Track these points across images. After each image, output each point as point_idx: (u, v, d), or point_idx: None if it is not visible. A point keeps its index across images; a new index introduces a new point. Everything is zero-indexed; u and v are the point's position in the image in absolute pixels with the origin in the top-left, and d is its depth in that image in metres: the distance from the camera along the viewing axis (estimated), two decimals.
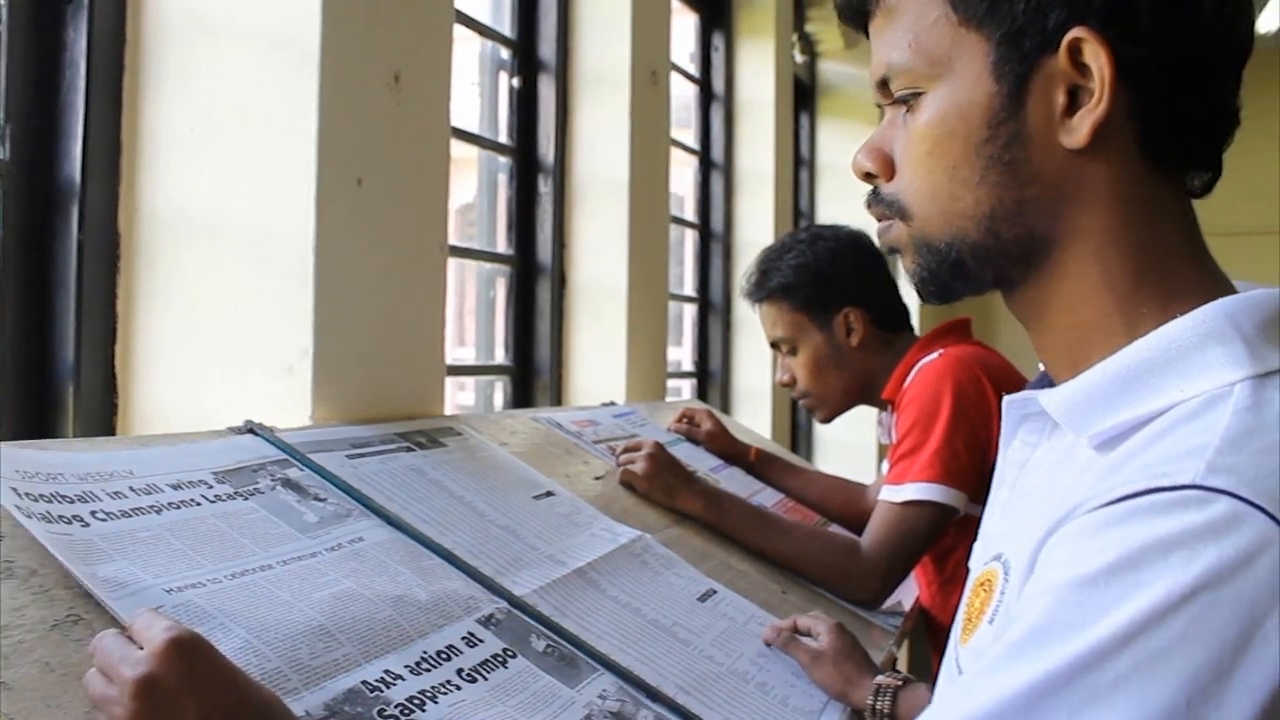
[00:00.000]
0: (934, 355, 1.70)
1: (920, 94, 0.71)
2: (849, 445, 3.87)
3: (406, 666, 0.89)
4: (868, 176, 0.75)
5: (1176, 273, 0.69)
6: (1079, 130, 0.66)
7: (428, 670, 0.91)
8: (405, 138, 1.49)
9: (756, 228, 3.43)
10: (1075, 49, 0.66)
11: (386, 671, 0.87)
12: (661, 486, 1.59)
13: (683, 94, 3.33)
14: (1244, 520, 0.54)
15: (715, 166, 3.46)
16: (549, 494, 1.44)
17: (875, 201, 0.75)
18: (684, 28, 3.38)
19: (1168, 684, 0.52)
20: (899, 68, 0.71)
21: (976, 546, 0.79)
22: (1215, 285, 0.69)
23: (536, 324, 2.38)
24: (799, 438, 4.02)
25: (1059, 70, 0.66)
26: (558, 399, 2.37)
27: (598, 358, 2.39)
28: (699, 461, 1.87)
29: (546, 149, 2.38)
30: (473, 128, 2.27)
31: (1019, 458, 0.77)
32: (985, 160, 0.69)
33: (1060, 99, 0.67)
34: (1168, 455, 0.59)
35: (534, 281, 2.38)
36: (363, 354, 1.41)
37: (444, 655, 0.94)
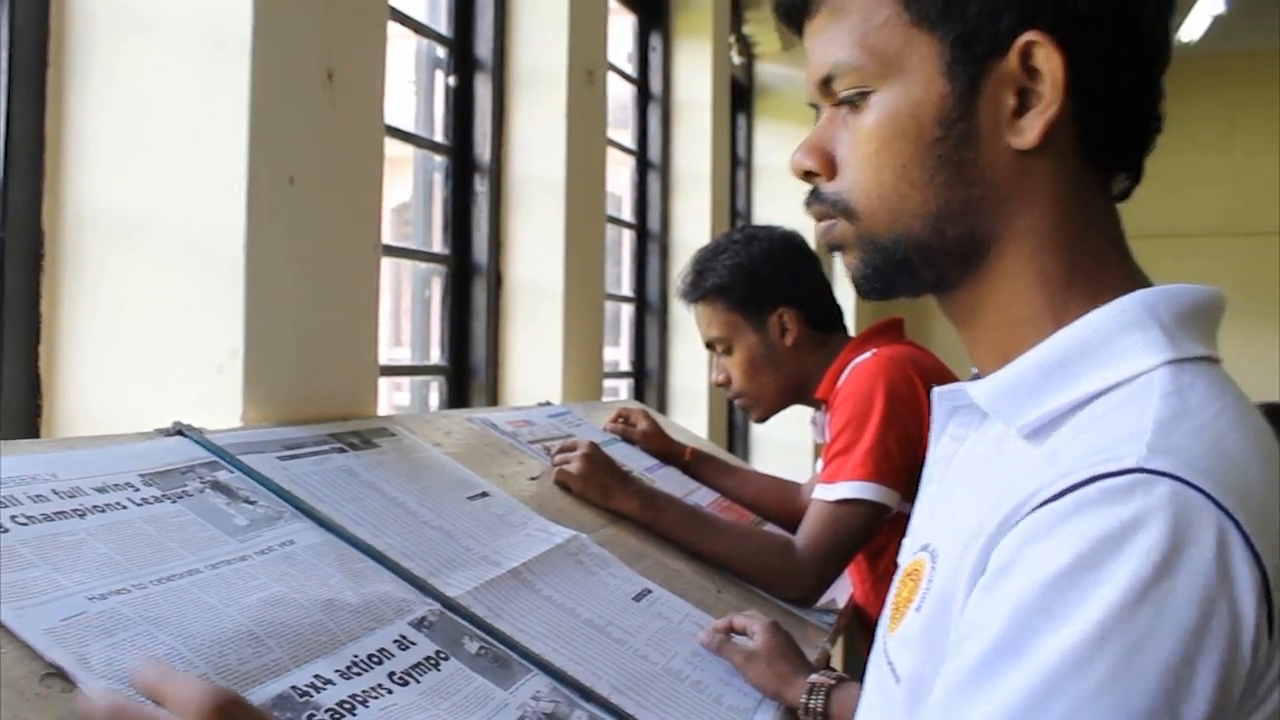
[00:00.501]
0: (867, 355, 1.72)
1: (868, 93, 0.71)
2: (785, 445, 3.90)
3: (337, 671, 0.89)
4: (808, 175, 0.75)
5: (1105, 273, 0.71)
6: (1029, 131, 0.68)
7: (359, 674, 0.90)
8: (338, 136, 1.47)
9: (693, 228, 3.44)
10: (1027, 52, 0.67)
11: (316, 676, 0.86)
12: (596, 486, 1.60)
13: (620, 94, 3.33)
14: (1187, 501, 0.56)
15: (652, 167, 3.46)
16: (483, 494, 1.44)
17: (816, 200, 0.75)
18: (621, 28, 3.39)
19: (1147, 679, 0.54)
20: (846, 66, 0.72)
21: (906, 541, 0.80)
22: (1138, 282, 0.71)
23: (472, 324, 2.37)
24: (735, 437, 4.05)
25: (1010, 73, 0.68)
26: (493, 399, 2.37)
27: (534, 358, 2.39)
28: (634, 461, 1.88)
29: (483, 148, 2.37)
30: (408, 126, 2.25)
31: (947, 452, 0.78)
32: (935, 160, 0.70)
33: (1010, 101, 0.68)
34: (1104, 441, 0.60)
35: (470, 281, 2.36)
36: (295, 354, 1.39)
37: (375, 659, 0.93)
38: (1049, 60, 0.67)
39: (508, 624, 1.13)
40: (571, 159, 2.40)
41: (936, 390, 0.78)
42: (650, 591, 1.41)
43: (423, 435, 1.53)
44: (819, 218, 0.76)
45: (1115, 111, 0.69)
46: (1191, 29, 5.88)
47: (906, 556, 0.75)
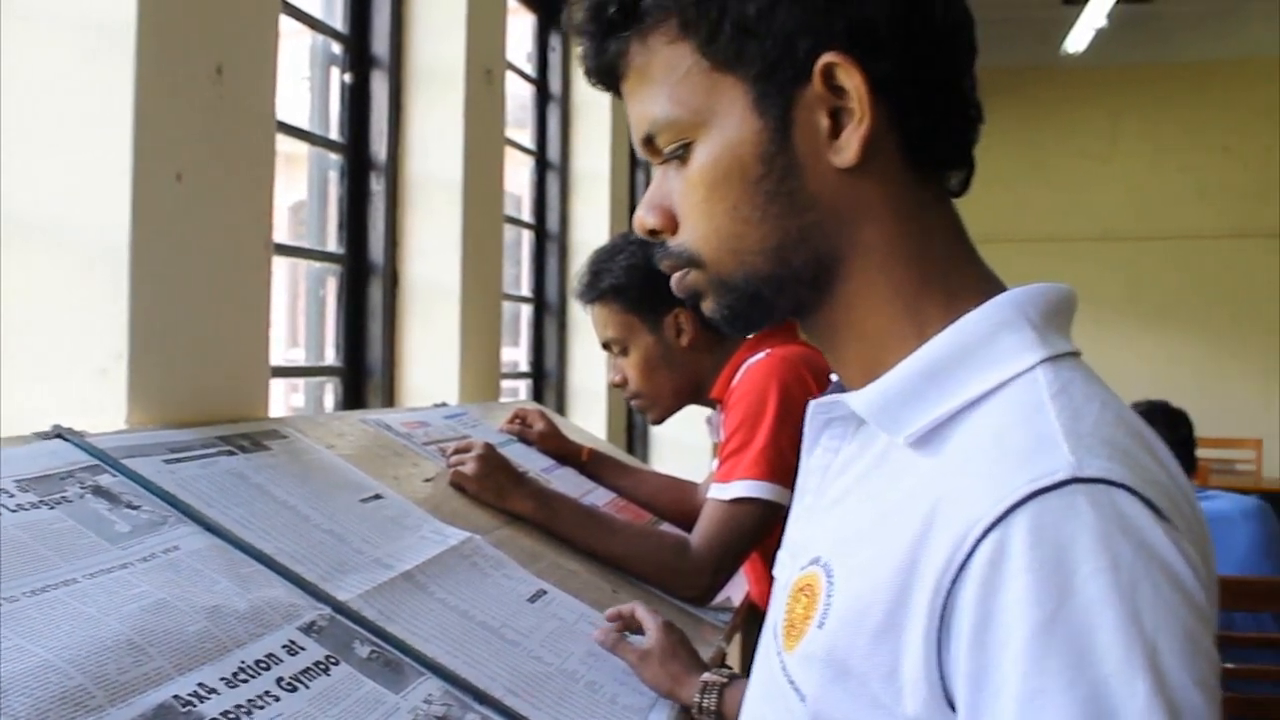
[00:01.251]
0: (761, 355, 1.74)
1: (689, 144, 0.73)
2: (684, 444, 3.93)
3: (222, 679, 0.87)
4: (653, 233, 0.76)
5: (954, 273, 0.73)
6: (848, 149, 0.69)
7: (245, 681, 0.89)
8: (228, 132, 1.45)
9: (592, 228, 3.45)
10: (828, 73, 0.69)
11: (200, 685, 0.85)
12: (492, 487, 1.59)
13: (519, 93, 3.32)
14: (1123, 501, 0.59)
15: (551, 167, 3.46)
16: (377, 497, 1.42)
17: (665, 256, 0.76)
18: (521, 27, 3.38)
19: (1176, 674, 0.56)
20: (662, 123, 0.73)
21: (782, 554, 0.81)
22: (990, 281, 0.74)
23: (368, 324, 2.34)
24: (634, 437, 4.06)
25: (817, 96, 0.69)
26: (389, 400, 2.34)
27: (430, 358, 2.37)
28: (531, 462, 1.87)
29: (379, 146, 2.35)
30: (303, 123, 2.21)
31: (821, 463, 0.79)
32: (764, 195, 0.71)
33: (824, 122, 0.70)
34: (1021, 450, 0.62)
35: (365, 281, 2.34)
36: (182, 355, 1.36)
37: (263, 665, 0.92)
38: (850, 77, 0.68)
39: (400, 627, 1.12)
40: (469, 158, 2.39)
41: (813, 403, 0.79)
42: (545, 592, 1.41)
43: (315, 437, 1.51)
44: (670, 271, 0.76)
45: (928, 112, 0.71)
46: (1076, 42, 6.07)
47: (790, 570, 0.75)
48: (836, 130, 0.70)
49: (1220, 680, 0.59)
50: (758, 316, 0.75)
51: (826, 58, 0.68)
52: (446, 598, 1.25)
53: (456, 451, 1.64)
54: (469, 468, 1.59)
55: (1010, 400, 0.66)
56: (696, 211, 0.73)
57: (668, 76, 0.72)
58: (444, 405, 2.12)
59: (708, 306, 0.76)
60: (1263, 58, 7.24)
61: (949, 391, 0.68)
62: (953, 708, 0.61)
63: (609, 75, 0.76)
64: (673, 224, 0.75)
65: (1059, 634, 0.56)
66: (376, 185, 2.35)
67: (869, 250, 0.72)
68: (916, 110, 0.70)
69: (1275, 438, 6.65)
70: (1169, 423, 2.94)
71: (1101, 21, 5.63)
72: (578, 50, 0.78)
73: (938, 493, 0.63)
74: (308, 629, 1.02)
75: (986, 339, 0.68)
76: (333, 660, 1.00)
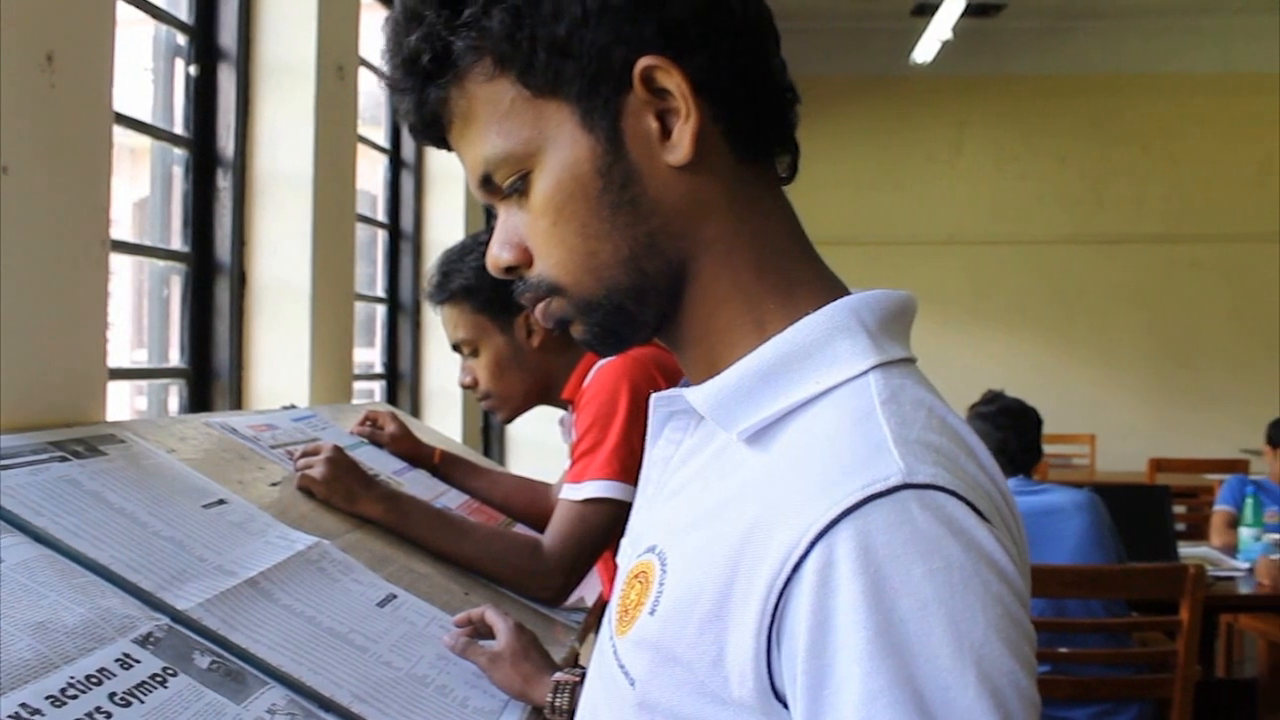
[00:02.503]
0: (612, 356, 1.75)
1: (526, 175, 0.73)
2: (541, 445, 3.92)
3: (48, 698, 0.83)
4: (510, 270, 0.77)
5: (791, 266, 0.75)
6: (681, 145, 0.71)
7: (74, 698, 0.85)
8: (59, 123, 1.39)
9: (447, 227, 3.42)
10: (648, 77, 0.70)
11: (23, 705, 0.81)
12: (341, 491, 1.56)
13: (373, 90, 3.26)
14: (949, 504, 0.62)
15: (405, 165, 3.42)
16: (220, 502, 1.38)
17: (525, 289, 0.77)
18: (375, 23, 3.32)
19: (1003, 663, 0.59)
20: (496, 160, 0.74)
21: (624, 543, 0.82)
22: (826, 279, 0.76)
23: (214, 324, 2.27)
24: (491, 439, 4.04)
25: (641, 101, 0.71)
26: (237, 403, 2.28)
27: (280, 360, 2.31)
28: (382, 465, 1.85)
29: (226, 142, 2.28)
30: (145, 116, 2.14)
31: (664, 454, 0.81)
32: (609, 208, 0.72)
33: (653, 125, 0.71)
34: (851, 455, 0.64)
35: (212, 280, 2.27)
36: (11, 358, 1.30)
37: (94, 680, 0.89)
38: (669, 77, 0.70)
39: (242, 635, 1.10)
40: (320, 155, 2.34)
41: (655, 396, 0.81)
42: (395, 596, 1.40)
43: (156, 441, 1.46)
44: (533, 304, 0.77)
45: (747, 99, 0.73)
46: (923, 52, 6.28)
47: (629, 558, 0.77)
48: (666, 131, 0.71)
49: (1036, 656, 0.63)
50: (627, 332, 0.76)
51: (643, 62, 0.70)
52: (292, 604, 1.23)
53: (304, 455, 1.60)
54: (317, 471, 1.56)
55: (841, 403, 0.68)
56: (547, 239, 0.74)
57: (492, 113, 0.73)
58: (293, 407, 2.07)
59: (577, 331, 0.77)
60: (1094, 74, 7.63)
61: (783, 391, 0.70)
62: (781, 702, 0.62)
63: (434, 126, 0.76)
64: (527, 257, 0.76)
65: (894, 635, 0.59)
66: (224, 182, 2.28)
67: (711, 245, 0.74)
68: (736, 100, 0.73)
69: (1108, 432, 6.99)
70: (1017, 426, 3.07)
71: (947, 34, 5.83)
72: (398, 108, 0.77)
73: (769, 491, 0.65)
74: (144, 641, 0.99)
75: (822, 342, 0.70)
76: (170, 672, 0.97)
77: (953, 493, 0.62)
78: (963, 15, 5.65)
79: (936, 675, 0.58)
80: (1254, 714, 3.28)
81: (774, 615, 0.62)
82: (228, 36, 2.29)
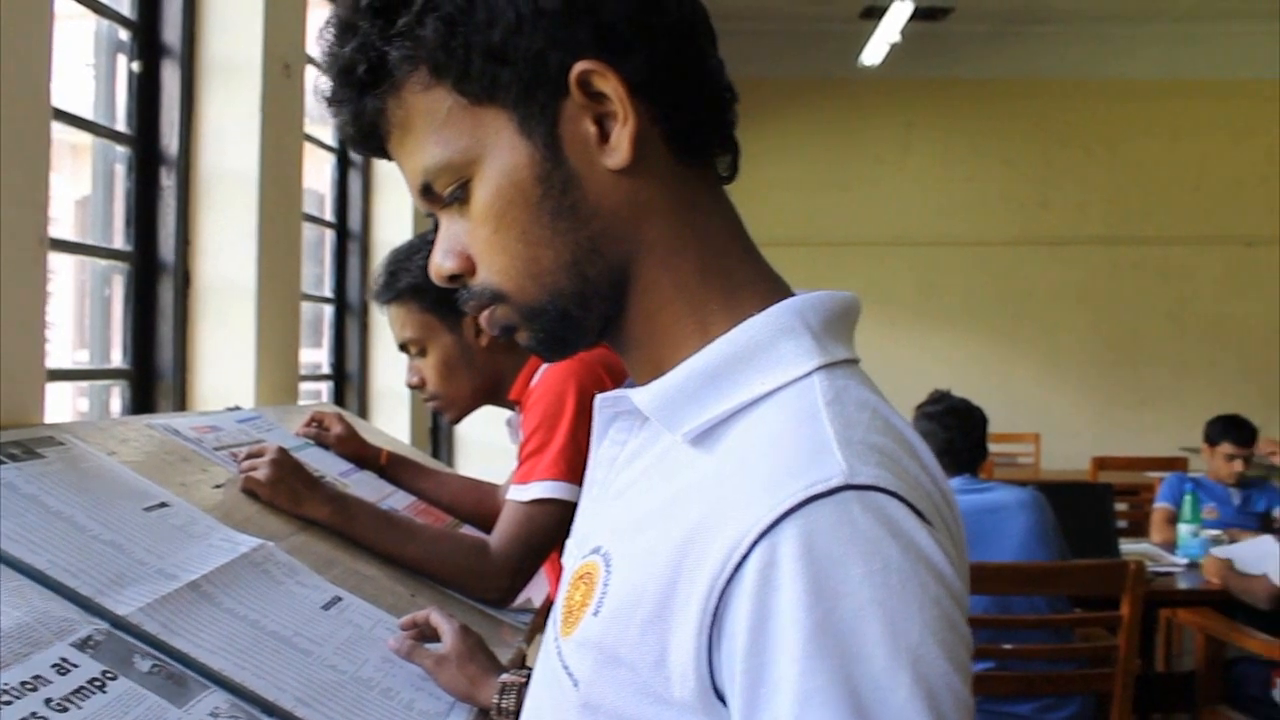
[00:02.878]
0: None
1: (466, 183, 0.73)
2: (490, 446, 3.90)
3: None
4: (454, 279, 0.77)
5: (734, 266, 0.76)
6: (619, 149, 0.71)
7: (8, 704, 0.84)
8: None
9: (395, 227, 3.39)
10: (584, 82, 0.71)
11: None
12: (286, 493, 1.55)
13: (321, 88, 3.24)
14: (890, 505, 0.62)
15: (353, 164, 3.39)
16: (162, 505, 1.37)
17: (469, 298, 0.77)
18: (322, 21, 3.29)
19: (937, 665, 0.60)
20: (435, 169, 0.74)
21: (569, 544, 0.82)
22: (769, 279, 0.77)
23: (158, 325, 2.24)
24: (439, 440, 4.02)
25: (579, 106, 0.71)
26: (181, 404, 2.25)
27: (225, 360, 2.29)
28: (328, 466, 1.83)
29: (170, 139, 2.25)
30: (86, 113, 2.11)
31: (609, 455, 0.81)
32: (549, 214, 0.72)
33: (591, 129, 0.72)
34: (794, 456, 0.64)
35: (155, 280, 2.24)
36: None
37: (29, 686, 0.87)
38: (606, 81, 0.70)
39: (184, 640, 1.08)
40: (266, 153, 2.32)
41: (599, 397, 0.81)
42: (341, 599, 1.39)
43: (96, 444, 1.44)
44: (477, 311, 0.77)
45: (685, 101, 0.74)
46: (871, 55, 6.33)
47: (574, 559, 0.77)
48: (605, 135, 0.72)
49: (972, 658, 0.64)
50: (572, 338, 0.76)
51: (579, 67, 0.70)
52: (235, 607, 1.22)
53: (249, 456, 1.59)
54: (262, 473, 1.54)
55: (786, 405, 0.68)
56: (489, 247, 0.74)
57: (430, 123, 0.73)
58: (237, 409, 2.05)
59: (522, 337, 0.77)
60: (1039, 78, 7.74)
61: (727, 393, 0.70)
62: (722, 701, 0.63)
63: (371, 137, 0.76)
64: (470, 265, 0.76)
65: (832, 635, 0.59)
66: (167, 180, 2.25)
67: (652, 247, 0.74)
68: (674, 101, 0.73)
69: (1052, 431, 7.09)
70: (964, 425, 3.10)
71: (895, 37, 5.90)
72: (335, 121, 0.77)
73: (713, 491, 0.66)
74: (82, 645, 0.97)
75: (767, 344, 0.71)
76: (110, 676, 0.95)
77: (894, 494, 0.63)
78: (911, 18, 5.71)
79: (872, 676, 0.59)
80: (1192, 706, 3.35)
81: (715, 614, 0.62)
82: (171, 32, 2.26)
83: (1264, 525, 4.25)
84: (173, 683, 1.00)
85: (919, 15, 5.84)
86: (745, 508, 0.63)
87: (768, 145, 7.54)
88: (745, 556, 0.61)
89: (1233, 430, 4.34)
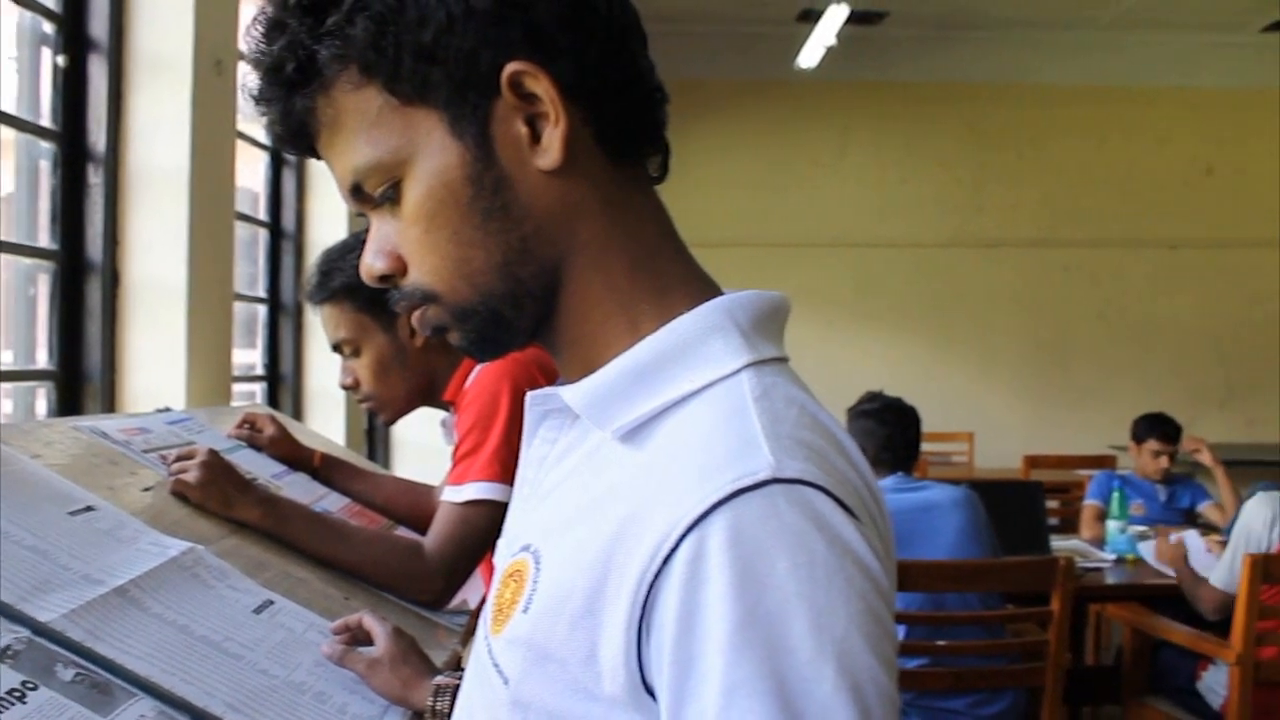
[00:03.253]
0: None
1: (397, 183, 0.73)
2: (427, 447, 3.87)
3: None
4: (385, 279, 0.76)
5: (665, 266, 0.76)
6: (551, 150, 0.71)
7: None
8: None
9: (329, 226, 3.36)
10: (516, 82, 0.71)
11: None
12: (217, 495, 1.52)
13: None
14: (817, 499, 0.62)
15: (287, 163, 3.35)
16: (89, 509, 1.34)
17: (400, 298, 0.77)
18: (253, 17, 3.25)
19: (862, 658, 0.60)
20: (366, 168, 0.73)
21: (501, 542, 0.82)
22: (699, 279, 0.77)
23: (85, 325, 2.21)
24: (375, 441, 3.99)
25: (510, 107, 0.71)
26: (110, 406, 2.21)
27: (155, 362, 2.25)
28: (261, 469, 1.81)
29: (97, 136, 2.22)
30: (9, 108, 2.06)
31: (539, 454, 0.81)
32: (480, 214, 0.72)
33: (522, 130, 0.72)
34: (723, 451, 0.64)
35: (82, 279, 2.20)
36: None
37: None
38: (537, 82, 0.70)
39: (110, 646, 1.06)
40: (197, 151, 2.29)
41: (529, 395, 0.81)
42: (273, 602, 1.37)
43: (19, 446, 1.40)
44: (408, 312, 0.77)
45: (616, 102, 0.74)
46: (808, 58, 6.38)
47: (505, 557, 0.77)
48: (536, 136, 0.71)
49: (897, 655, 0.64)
50: (504, 339, 0.76)
51: (511, 68, 0.70)
52: (163, 612, 1.20)
53: (179, 459, 1.56)
54: (191, 475, 1.52)
55: (714, 401, 0.69)
56: (420, 247, 0.74)
57: (360, 122, 0.72)
58: (167, 410, 2.02)
59: (454, 338, 0.77)
60: (972, 82, 7.86)
61: (656, 390, 0.71)
62: (652, 695, 0.63)
63: (301, 136, 0.75)
64: (401, 265, 0.75)
65: (758, 627, 0.59)
66: (95, 177, 2.21)
67: (584, 248, 0.74)
68: (606, 102, 0.73)
69: (985, 430, 7.20)
70: (901, 422, 3.14)
71: (831, 40, 5.94)
72: (264, 119, 0.76)
73: (642, 487, 0.66)
74: (1, 655, 0.95)
75: (696, 341, 0.71)
76: (30, 686, 0.93)
77: (821, 488, 0.63)
78: (846, 22, 5.76)
79: (797, 668, 0.59)
80: (1119, 698, 3.42)
81: (644, 607, 0.62)
82: (99, 26, 2.22)
83: (1189, 521, 4.36)
84: (97, 691, 0.98)
85: (854, 19, 5.88)
86: (674, 502, 0.63)
87: (705, 147, 7.57)
88: (674, 549, 0.62)
89: (1158, 427, 4.44)
